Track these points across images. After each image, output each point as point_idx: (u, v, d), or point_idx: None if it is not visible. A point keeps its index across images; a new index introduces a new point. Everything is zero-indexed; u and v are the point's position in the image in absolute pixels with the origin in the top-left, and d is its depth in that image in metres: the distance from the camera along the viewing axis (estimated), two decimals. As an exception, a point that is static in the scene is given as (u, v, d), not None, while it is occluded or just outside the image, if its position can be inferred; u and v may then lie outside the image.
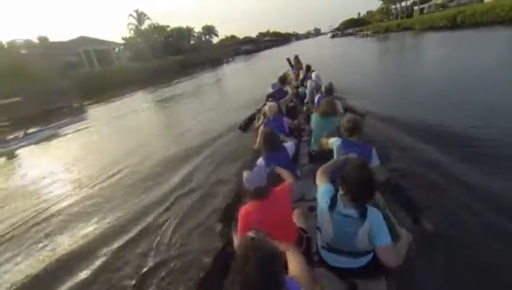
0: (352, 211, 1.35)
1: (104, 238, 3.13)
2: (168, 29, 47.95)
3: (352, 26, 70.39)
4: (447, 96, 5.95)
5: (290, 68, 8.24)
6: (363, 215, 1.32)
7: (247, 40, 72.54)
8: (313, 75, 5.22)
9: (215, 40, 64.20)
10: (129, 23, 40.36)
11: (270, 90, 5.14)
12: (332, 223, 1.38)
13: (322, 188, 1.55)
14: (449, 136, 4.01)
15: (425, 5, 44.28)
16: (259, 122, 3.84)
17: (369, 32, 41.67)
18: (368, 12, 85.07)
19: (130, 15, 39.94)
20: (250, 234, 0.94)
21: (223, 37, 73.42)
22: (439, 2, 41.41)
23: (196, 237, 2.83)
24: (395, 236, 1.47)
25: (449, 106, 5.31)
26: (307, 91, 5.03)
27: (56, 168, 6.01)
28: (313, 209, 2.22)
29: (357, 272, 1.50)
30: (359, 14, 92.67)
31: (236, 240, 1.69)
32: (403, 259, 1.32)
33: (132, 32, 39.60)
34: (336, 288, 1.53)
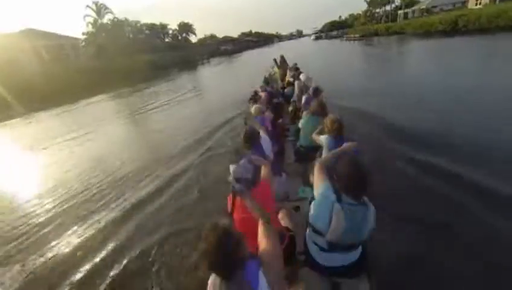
0: (356, 202, 1.38)
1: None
2: (138, 24, 43.10)
3: (334, 29, 69.68)
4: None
5: (276, 68, 8.21)
6: (364, 202, 1.39)
7: (227, 40, 68.40)
8: (302, 76, 5.33)
9: (193, 39, 59.85)
10: (86, 15, 34.70)
11: (260, 93, 5.14)
12: (344, 214, 1.35)
13: (323, 185, 1.52)
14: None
15: (409, 10, 43.57)
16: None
17: (356, 36, 39.14)
18: (350, 16, 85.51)
19: (88, 6, 34.39)
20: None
21: (202, 36, 69.35)
22: (423, 7, 40.71)
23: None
24: None
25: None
26: (295, 91, 5.05)
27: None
28: (298, 209, 2.22)
29: (342, 271, 1.52)
30: (340, 17, 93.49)
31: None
32: None
33: (90, 26, 33.98)
34: (320, 287, 1.55)
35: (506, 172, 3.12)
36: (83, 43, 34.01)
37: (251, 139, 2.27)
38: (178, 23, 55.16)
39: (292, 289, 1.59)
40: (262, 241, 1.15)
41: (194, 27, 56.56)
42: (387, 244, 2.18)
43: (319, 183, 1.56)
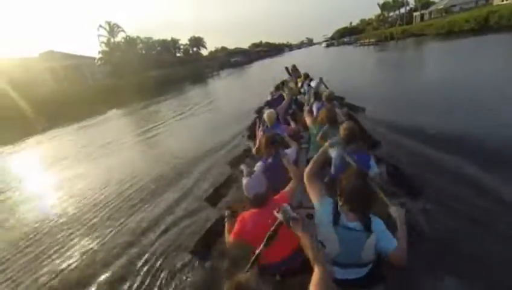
0: (356, 224, 1.30)
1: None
2: (150, 41, 44.23)
3: (346, 35, 68.37)
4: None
5: (289, 77, 8.09)
6: (367, 227, 1.28)
7: (238, 51, 68.97)
8: (312, 83, 5.42)
9: (205, 52, 60.79)
10: (99, 35, 35.66)
11: (269, 98, 5.34)
12: (337, 238, 1.31)
13: (322, 203, 1.46)
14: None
15: (426, 11, 41.60)
16: (259, 128, 3.59)
17: (372, 40, 36.81)
18: (361, 21, 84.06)
19: (100, 26, 35.28)
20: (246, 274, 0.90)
21: (213, 48, 70.52)
22: (440, 7, 38.68)
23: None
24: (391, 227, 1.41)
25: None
26: (305, 99, 5.15)
27: None
28: (311, 217, 2.11)
29: (357, 282, 1.46)
30: (351, 23, 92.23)
31: (228, 237, 1.62)
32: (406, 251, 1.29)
33: (103, 45, 35.03)
34: None
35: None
36: (98, 62, 35.13)
37: (272, 147, 2.15)
38: (189, 37, 56.51)
39: None
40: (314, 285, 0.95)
41: (205, 41, 57.53)
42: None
43: (314, 199, 1.50)
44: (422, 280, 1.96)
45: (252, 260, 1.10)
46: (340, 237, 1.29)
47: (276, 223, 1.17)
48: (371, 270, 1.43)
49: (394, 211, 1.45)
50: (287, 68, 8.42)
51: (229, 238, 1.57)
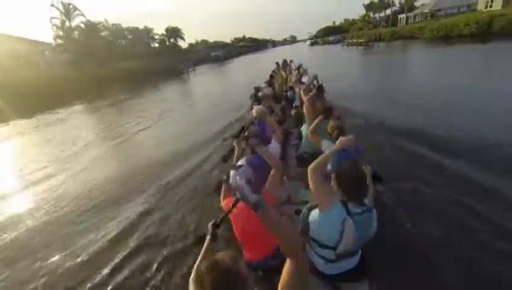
0: (360, 207, 1.38)
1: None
2: (120, 28, 39.24)
3: (329, 34, 67.26)
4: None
5: (279, 71, 7.91)
6: (365, 205, 1.40)
7: (218, 45, 64.75)
8: (304, 78, 5.20)
9: (184, 44, 56.13)
10: (52, 17, 29.68)
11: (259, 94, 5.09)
12: (355, 226, 1.34)
13: (327, 199, 1.44)
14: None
15: (411, 14, 41.09)
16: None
17: (361, 41, 34.24)
18: (345, 21, 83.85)
19: (52, 5, 29.24)
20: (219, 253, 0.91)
21: (193, 41, 65.78)
22: (426, 11, 38.24)
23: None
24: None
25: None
26: (297, 94, 4.80)
27: None
28: (298, 212, 2.16)
29: (343, 275, 1.54)
30: (334, 22, 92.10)
31: (222, 201, 1.75)
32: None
33: (55, 29, 29.46)
34: None
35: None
36: (57, 49, 29.95)
37: (259, 139, 2.13)
38: (165, 28, 51.69)
39: None
40: (288, 284, 0.90)
41: (183, 32, 53.01)
42: (389, 247, 2.17)
43: (319, 195, 1.49)
44: (404, 279, 2.00)
45: (221, 218, 1.26)
46: (356, 223, 1.34)
47: (234, 200, 1.20)
48: (360, 260, 1.55)
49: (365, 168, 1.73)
50: (277, 63, 8.32)
51: (222, 202, 1.69)
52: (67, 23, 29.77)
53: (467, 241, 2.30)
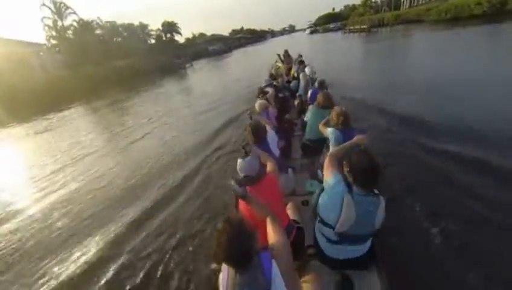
0: (367, 194, 1.38)
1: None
2: (114, 26, 38.31)
3: (330, 22, 65.28)
4: None
5: (281, 63, 7.99)
6: (375, 193, 1.39)
7: (216, 38, 63.19)
8: (307, 69, 5.22)
9: (181, 39, 54.88)
10: (44, 17, 28.76)
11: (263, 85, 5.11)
12: (354, 204, 1.36)
13: (334, 177, 1.52)
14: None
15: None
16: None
17: (363, 27, 31.66)
18: (345, 7, 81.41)
19: (43, 5, 28.25)
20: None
21: (191, 35, 64.33)
22: (431, -8, 36.57)
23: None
24: None
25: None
26: (301, 84, 4.99)
27: None
28: (306, 203, 2.23)
29: (351, 263, 1.55)
30: (333, 9, 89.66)
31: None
32: None
33: (48, 29, 28.59)
34: (331, 279, 1.58)
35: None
36: (54, 49, 29.29)
37: (258, 132, 2.24)
38: (162, 22, 50.48)
39: (302, 281, 1.47)
40: (271, 236, 1.18)
41: (179, 26, 51.79)
42: (398, 237, 2.20)
43: (329, 174, 1.55)
44: (413, 269, 1.99)
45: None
46: (356, 202, 1.34)
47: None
48: (369, 249, 1.55)
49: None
50: (279, 55, 8.20)
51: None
52: (59, 23, 28.98)
53: (485, 238, 2.21)
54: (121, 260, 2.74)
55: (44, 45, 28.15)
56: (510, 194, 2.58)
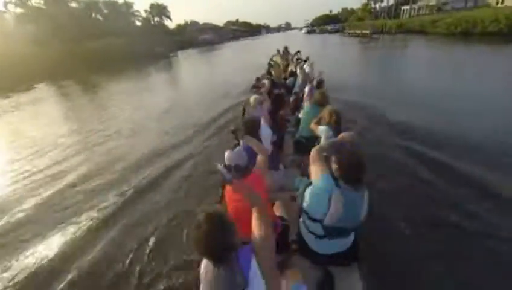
0: (353, 189, 1.39)
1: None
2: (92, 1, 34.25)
3: (327, 23, 63.88)
4: None
5: (279, 59, 7.78)
6: (360, 188, 1.41)
7: (209, 27, 59.44)
8: (305, 66, 5.28)
9: (171, 24, 50.99)
10: None
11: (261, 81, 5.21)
12: (342, 198, 1.38)
13: (321, 172, 1.51)
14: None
15: (415, 6, 38.50)
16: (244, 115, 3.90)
17: (365, 32, 29.00)
18: (343, 10, 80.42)
19: None
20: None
21: (182, 22, 60.29)
22: (432, 3, 35.77)
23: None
24: None
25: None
26: (298, 81, 4.94)
27: None
28: (294, 199, 2.27)
29: (334, 259, 1.57)
30: (331, 11, 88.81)
31: None
32: None
33: None
34: (313, 274, 1.60)
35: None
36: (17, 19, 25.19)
37: (253, 127, 2.21)
38: (149, 4, 46.46)
39: (284, 276, 1.50)
40: (255, 228, 1.14)
41: (169, 10, 48.00)
42: (380, 234, 2.27)
43: (316, 169, 1.55)
44: (394, 264, 2.09)
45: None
46: (344, 196, 1.37)
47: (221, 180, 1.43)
48: (353, 244, 1.58)
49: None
50: (278, 50, 8.19)
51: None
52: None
53: (461, 236, 2.34)
54: (99, 249, 2.63)
55: (4, 12, 24.12)
56: (488, 204, 2.66)
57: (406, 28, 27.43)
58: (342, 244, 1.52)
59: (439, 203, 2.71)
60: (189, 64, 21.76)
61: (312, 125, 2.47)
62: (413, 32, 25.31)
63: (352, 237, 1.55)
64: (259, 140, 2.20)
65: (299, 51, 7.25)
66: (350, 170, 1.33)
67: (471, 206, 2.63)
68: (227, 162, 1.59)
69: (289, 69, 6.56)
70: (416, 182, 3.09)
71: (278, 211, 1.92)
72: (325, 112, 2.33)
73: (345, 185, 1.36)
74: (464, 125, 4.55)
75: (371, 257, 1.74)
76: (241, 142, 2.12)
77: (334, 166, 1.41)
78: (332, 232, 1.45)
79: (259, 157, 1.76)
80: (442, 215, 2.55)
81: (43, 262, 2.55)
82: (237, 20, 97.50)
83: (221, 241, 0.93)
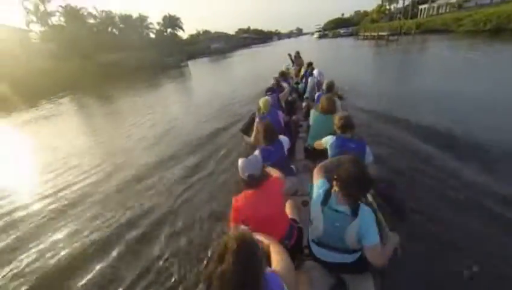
0: (344, 208, 1.36)
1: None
2: (110, 16, 35.58)
3: (339, 27, 62.73)
4: None
5: (291, 64, 8.00)
6: (354, 212, 1.34)
7: (220, 36, 60.21)
8: (315, 71, 5.19)
9: (184, 35, 52.15)
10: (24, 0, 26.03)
11: (272, 83, 4.98)
12: (322, 217, 1.38)
13: (318, 183, 1.57)
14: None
15: (434, 5, 36.71)
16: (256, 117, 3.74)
17: (382, 34, 26.80)
18: (356, 13, 78.96)
19: None
20: (240, 227, 1.11)
21: (195, 32, 61.58)
22: (452, 1, 33.92)
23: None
24: (383, 237, 1.51)
25: None
26: (308, 87, 4.95)
27: None
28: (306, 203, 2.25)
29: (345, 267, 1.53)
30: (343, 14, 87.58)
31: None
32: (387, 260, 1.36)
33: (27, 14, 25.76)
34: (325, 281, 1.57)
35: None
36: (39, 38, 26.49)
37: (272, 133, 2.23)
38: (162, 16, 47.82)
39: (297, 282, 1.42)
40: (276, 259, 1.11)
41: (182, 21, 49.12)
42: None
43: (315, 183, 1.60)
44: (408, 276, 1.94)
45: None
46: (325, 217, 1.37)
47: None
48: (359, 259, 1.48)
49: (391, 235, 1.52)
50: (290, 55, 8.19)
51: (229, 226, 1.63)
52: (41, 7, 26.12)
53: (478, 242, 2.22)
54: (115, 255, 2.63)
55: (25, 30, 25.40)
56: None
57: (426, 27, 25.88)
58: (344, 256, 1.46)
59: (463, 219, 2.50)
60: (198, 74, 21.73)
61: (316, 144, 2.48)
62: (434, 32, 23.70)
63: (355, 254, 1.46)
64: (280, 146, 2.28)
65: (310, 62, 6.81)
66: (347, 184, 1.32)
67: (494, 211, 2.50)
68: (241, 171, 1.53)
69: (301, 73, 6.65)
70: (441, 190, 2.88)
71: (290, 213, 1.93)
72: (336, 117, 2.27)
73: (336, 203, 1.36)
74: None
75: (386, 267, 1.55)
76: (255, 151, 2.09)
77: (335, 176, 1.41)
78: (323, 244, 1.46)
79: (274, 176, 1.75)
80: (463, 226, 2.39)
81: (66, 262, 2.64)
82: (248, 28, 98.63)
83: (256, 273, 0.82)
